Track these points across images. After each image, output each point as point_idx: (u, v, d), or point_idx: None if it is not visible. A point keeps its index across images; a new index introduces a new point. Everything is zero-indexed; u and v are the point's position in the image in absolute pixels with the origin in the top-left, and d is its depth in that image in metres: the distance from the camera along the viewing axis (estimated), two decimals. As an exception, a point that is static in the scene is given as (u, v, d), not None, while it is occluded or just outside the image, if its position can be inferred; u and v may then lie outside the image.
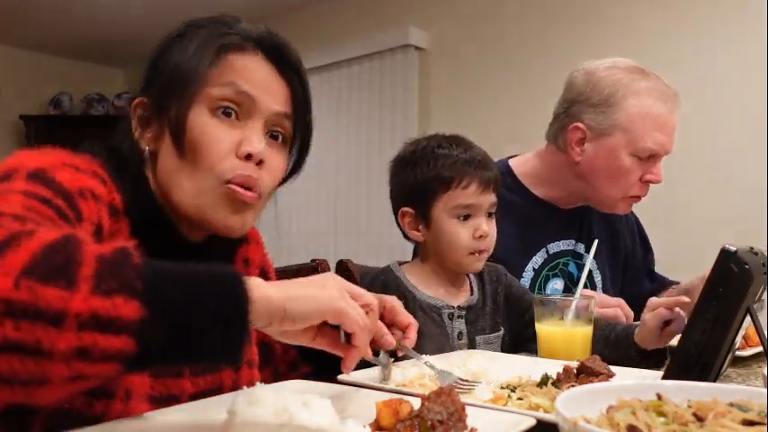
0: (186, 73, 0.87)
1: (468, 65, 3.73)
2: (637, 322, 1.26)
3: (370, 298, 0.78)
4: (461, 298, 1.36)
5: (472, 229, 1.29)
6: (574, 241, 1.69)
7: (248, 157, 0.86)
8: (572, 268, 1.67)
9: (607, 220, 1.78)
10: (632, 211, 1.87)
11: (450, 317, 1.32)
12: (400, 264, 1.38)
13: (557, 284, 1.64)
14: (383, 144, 3.99)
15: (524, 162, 1.71)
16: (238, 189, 0.86)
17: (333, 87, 4.23)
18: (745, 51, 2.80)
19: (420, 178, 1.30)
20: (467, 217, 1.30)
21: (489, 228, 1.31)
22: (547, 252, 1.64)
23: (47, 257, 0.53)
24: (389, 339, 0.89)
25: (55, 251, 0.54)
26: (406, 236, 1.37)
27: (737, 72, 2.82)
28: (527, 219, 1.61)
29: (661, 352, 1.20)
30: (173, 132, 0.86)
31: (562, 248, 1.67)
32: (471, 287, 1.39)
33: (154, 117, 0.90)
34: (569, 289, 1.65)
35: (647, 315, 1.18)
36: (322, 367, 1.06)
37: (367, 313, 0.75)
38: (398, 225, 1.37)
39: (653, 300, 1.20)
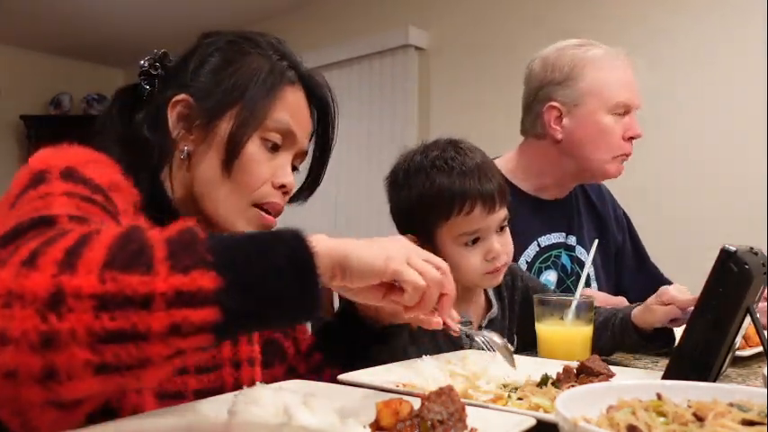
0: (252, 103, 0.92)
1: (468, 65, 3.73)
2: (631, 305, 1.25)
3: (441, 261, 0.77)
4: (480, 313, 1.30)
5: (483, 251, 1.19)
6: (564, 234, 1.71)
7: (281, 186, 0.95)
8: (564, 260, 1.70)
9: (594, 212, 1.82)
10: (622, 208, 1.89)
11: (470, 336, 1.23)
12: None
13: (550, 276, 1.67)
14: (383, 144, 3.99)
15: (508, 160, 1.73)
16: (265, 215, 0.94)
17: (333, 87, 4.22)
18: (745, 50, 2.80)
19: (416, 203, 1.19)
20: (475, 240, 1.18)
21: (503, 243, 1.21)
22: (538, 245, 1.66)
23: (121, 249, 0.56)
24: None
25: (127, 241, 0.57)
26: None
27: (738, 71, 2.82)
28: (516, 214, 1.63)
29: (664, 332, 1.19)
30: (227, 152, 0.91)
31: (553, 241, 1.69)
32: (489, 299, 1.32)
33: (200, 122, 0.92)
34: (563, 280, 1.67)
35: (657, 307, 1.16)
36: (348, 368, 1.06)
37: (442, 274, 0.76)
38: None
39: (667, 291, 1.16)
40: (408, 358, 1.07)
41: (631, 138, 1.62)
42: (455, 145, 1.23)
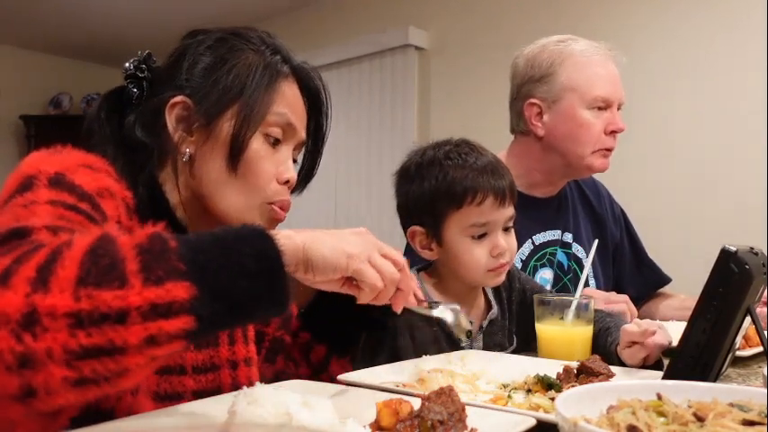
0: (252, 100, 0.92)
1: (468, 65, 3.73)
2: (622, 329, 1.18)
3: (400, 257, 0.80)
4: (479, 313, 1.30)
5: (489, 246, 1.20)
6: (560, 231, 1.71)
7: (286, 182, 0.95)
8: (561, 257, 1.69)
9: (591, 209, 1.82)
10: (619, 204, 1.89)
11: (469, 335, 1.22)
12: (418, 270, 1.31)
13: (546, 274, 1.66)
14: (383, 144, 4.00)
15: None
16: (277, 210, 0.95)
17: (333, 87, 4.17)
18: (745, 50, 2.80)
19: (428, 194, 1.21)
20: (482, 235, 1.20)
21: (508, 242, 1.22)
22: (533, 243, 1.66)
23: (94, 263, 0.55)
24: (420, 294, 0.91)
25: (98, 255, 0.56)
26: (412, 250, 1.28)
27: (739, 70, 2.82)
28: None
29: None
30: (232, 150, 0.91)
31: (548, 239, 1.69)
32: (489, 300, 1.32)
33: (200, 123, 0.91)
34: (560, 278, 1.66)
35: (625, 351, 1.08)
36: (337, 344, 1.07)
37: (399, 270, 0.79)
38: (408, 243, 1.29)
39: (624, 330, 1.08)
40: (403, 347, 1.07)
41: (613, 132, 1.61)
42: (468, 143, 1.27)
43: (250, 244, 0.62)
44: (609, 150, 1.64)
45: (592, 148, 1.61)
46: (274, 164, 0.94)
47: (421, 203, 1.23)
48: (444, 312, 0.94)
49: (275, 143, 0.95)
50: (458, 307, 0.96)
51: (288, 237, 0.68)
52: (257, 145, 0.92)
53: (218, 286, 0.58)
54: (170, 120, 0.91)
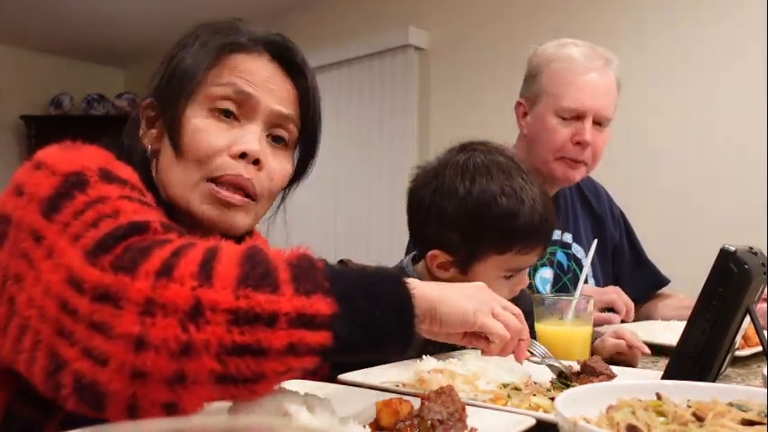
0: (185, 72, 0.87)
1: (468, 65, 3.73)
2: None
3: (517, 309, 0.83)
4: None
5: (512, 285, 1.16)
6: (559, 231, 1.71)
7: (242, 156, 0.86)
8: (560, 257, 1.70)
9: (591, 210, 1.83)
10: (618, 206, 1.89)
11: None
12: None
13: (546, 273, 1.67)
14: (383, 144, 3.99)
15: None
16: (220, 190, 0.85)
17: (333, 87, 4.23)
18: (746, 49, 2.80)
19: (491, 225, 1.08)
20: (510, 275, 1.15)
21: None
22: None
23: (252, 268, 0.59)
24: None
25: (254, 261, 0.60)
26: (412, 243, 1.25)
27: (740, 71, 2.82)
28: None
29: None
30: (169, 130, 0.87)
31: None
32: None
33: (158, 116, 0.91)
34: (560, 278, 1.67)
35: (608, 338, 1.21)
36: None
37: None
38: (409, 242, 1.24)
39: (620, 327, 1.24)
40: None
41: (579, 143, 1.57)
42: (523, 170, 1.16)
43: (388, 283, 0.65)
44: (576, 162, 1.59)
45: (553, 155, 1.59)
46: (226, 139, 0.86)
47: (467, 231, 1.11)
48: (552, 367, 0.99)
49: (233, 117, 0.87)
50: (556, 363, 1.00)
51: (418, 285, 0.69)
52: (199, 120, 0.86)
53: (357, 310, 0.61)
54: (143, 122, 0.92)
